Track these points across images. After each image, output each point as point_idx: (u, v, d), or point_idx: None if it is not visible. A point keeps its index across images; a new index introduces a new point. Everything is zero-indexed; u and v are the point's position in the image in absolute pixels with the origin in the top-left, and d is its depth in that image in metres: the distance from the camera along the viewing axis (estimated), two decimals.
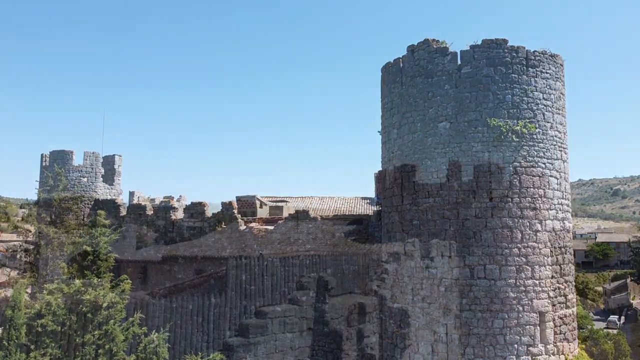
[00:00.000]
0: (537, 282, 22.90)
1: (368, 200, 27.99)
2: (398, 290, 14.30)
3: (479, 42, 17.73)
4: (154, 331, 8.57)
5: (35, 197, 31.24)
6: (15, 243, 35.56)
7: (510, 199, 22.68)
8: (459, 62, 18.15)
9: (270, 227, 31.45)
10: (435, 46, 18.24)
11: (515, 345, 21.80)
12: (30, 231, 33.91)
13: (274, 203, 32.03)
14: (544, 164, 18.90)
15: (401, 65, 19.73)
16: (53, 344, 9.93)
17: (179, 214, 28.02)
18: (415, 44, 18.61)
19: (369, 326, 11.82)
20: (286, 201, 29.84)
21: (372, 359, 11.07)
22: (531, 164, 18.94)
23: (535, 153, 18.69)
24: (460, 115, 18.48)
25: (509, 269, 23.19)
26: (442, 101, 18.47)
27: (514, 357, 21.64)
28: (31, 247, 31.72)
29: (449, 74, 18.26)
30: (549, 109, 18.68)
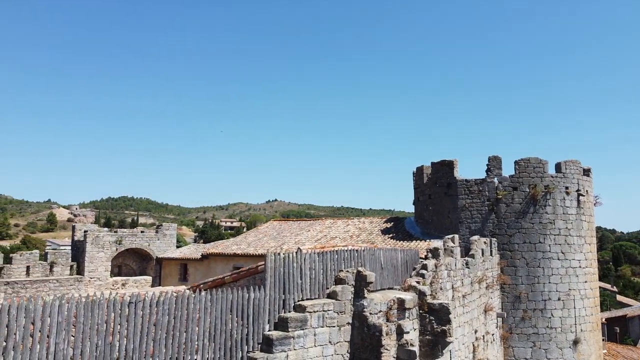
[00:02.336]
0: (581, 282, 22.20)
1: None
2: (437, 287, 14.05)
3: None
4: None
5: None
6: None
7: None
8: None
9: (307, 223, 31.62)
10: None
11: (561, 346, 21.17)
12: None
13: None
14: None
15: None
16: None
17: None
18: None
19: (409, 322, 11.62)
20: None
21: (412, 355, 10.89)
22: None
23: None
24: None
25: (553, 268, 22.63)
26: None
27: (560, 358, 21.02)
28: None
29: None
30: None
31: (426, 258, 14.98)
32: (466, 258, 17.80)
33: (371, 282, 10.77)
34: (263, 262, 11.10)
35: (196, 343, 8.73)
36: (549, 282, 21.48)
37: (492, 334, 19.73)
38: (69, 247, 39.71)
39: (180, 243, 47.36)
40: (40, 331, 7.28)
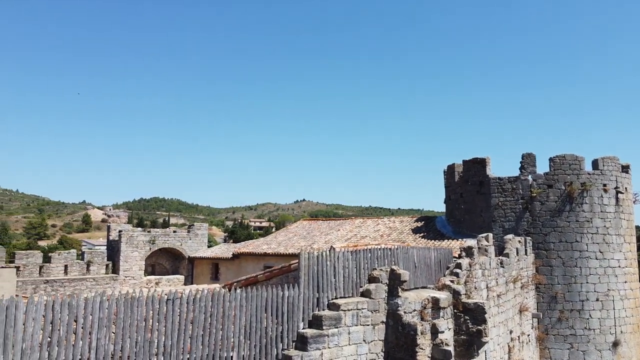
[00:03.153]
0: (621, 283, 21.51)
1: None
2: (472, 286, 13.84)
3: None
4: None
5: None
6: None
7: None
8: None
9: (337, 222, 31.59)
10: None
11: (600, 348, 20.58)
12: None
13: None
14: None
15: None
16: None
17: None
18: None
19: (443, 321, 11.48)
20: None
21: (447, 354, 10.74)
22: None
23: None
24: None
25: (589, 268, 21.99)
26: None
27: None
28: None
29: None
30: None
31: (460, 257, 14.78)
32: (500, 257, 17.49)
33: (405, 281, 10.67)
34: (295, 261, 11.13)
35: (232, 340, 8.82)
36: (587, 282, 20.92)
37: (528, 335, 19.33)
38: (104, 247, 40.68)
39: (210, 243, 47.98)
40: (82, 327, 7.47)
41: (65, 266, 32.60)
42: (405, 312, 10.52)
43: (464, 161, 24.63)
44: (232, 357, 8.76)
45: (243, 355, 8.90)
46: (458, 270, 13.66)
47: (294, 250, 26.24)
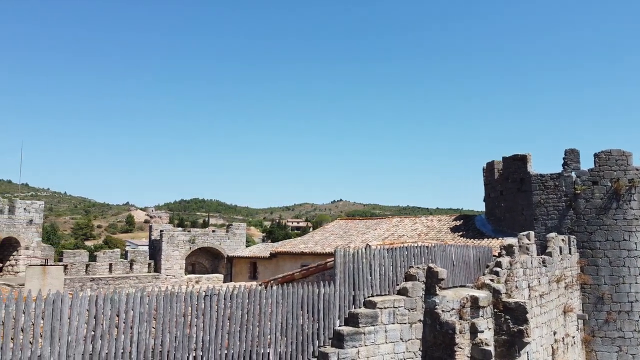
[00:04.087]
0: None
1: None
2: (513, 285, 13.49)
3: None
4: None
5: None
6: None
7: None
8: None
9: (374, 222, 31.42)
10: None
11: None
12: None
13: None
14: None
15: None
16: None
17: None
18: None
19: (483, 321, 11.22)
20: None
21: (487, 354, 10.50)
22: None
23: None
24: None
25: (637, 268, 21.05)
26: None
27: None
28: None
29: None
30: None
31: (500, 255, 14.43)
32: (543, 256, 16.98)
33: (443, 279, 10.51)
34: (331, 259, 11.12)
35: (269, 337, 8.89)
36: (636, 283, 20.04)
37: (573, 337, 18.69)
38: (146, 246, 41.83)
39: (249, 243, 48.57)
40: (124, 322, 7.69)
41: (110, 265, 33.70)
42: (443, 311, 10.35)
43: (503, 158, 24.04)
44: (269, 353, 8.84)
45: (280, 352, 8.96)
46: (498, 269, 13.34)
47: (330, 250, 26.25)
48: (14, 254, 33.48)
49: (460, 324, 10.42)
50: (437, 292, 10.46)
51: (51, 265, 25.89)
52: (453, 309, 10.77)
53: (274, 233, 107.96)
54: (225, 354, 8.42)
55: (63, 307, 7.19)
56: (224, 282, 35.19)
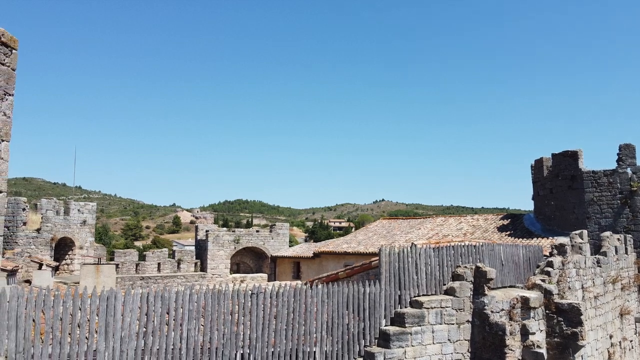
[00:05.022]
0: None
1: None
2: (565, 286, 12.98)
3: None
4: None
5: None
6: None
7: None
8: None
9: (417, 221, 31.01)
10: None
11: None
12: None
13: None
14: None
15: None
16: None
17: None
18: None
19: (534, 322, 10.85)
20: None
21: (539, 357, 10.14)
22: None
23: None
24: None
25: None
26: None
27: None
28: None
29: None
30: None
31: (551, 255, 13.92)
32: (597, 256, 16.27)
33: (491, 279, 10.23)
34: (376, 258, 11.02)
35: (314, 335, 8.90)
36: None
37: (631, 341, 17.82)
38: (193, 246, 42.80)
39: (291, 243, 48.93)
40: (174, 319, 7.87)
41: (159, 264, 34.69)
42: (492, 312, 10.07)
43: (553, 155, 23.24)
44: (314, 352, 8.84)
45: (326, 351, 8.95)
46: (549, 269, 12.88)
47: (374, 249, 26.08)
48: (69, 253, 34.97)
49: (511, 325, 10.12)
50: (486, 292, 10.19)
51: (104, 264, 26.89)
52: (502, 309, 10.48)
53: (316, 233, 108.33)
54: (272, 351, 8.48)
55: (116, 304, 7.43)
56: (268, 281, 35.58)
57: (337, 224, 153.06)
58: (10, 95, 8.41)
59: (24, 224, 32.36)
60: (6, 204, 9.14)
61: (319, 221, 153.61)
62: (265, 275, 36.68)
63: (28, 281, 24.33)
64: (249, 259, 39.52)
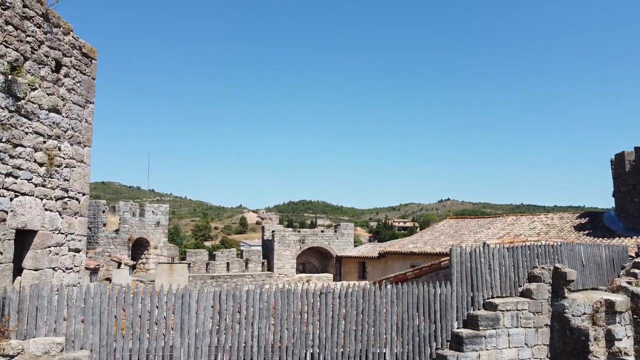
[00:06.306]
0: None
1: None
2: None
3: None
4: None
5: None
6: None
7: None
8: None
9: (487, 220, 29.94)
10: None
11: None
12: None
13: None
14: None
15: None
16: None
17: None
18: None
19: (621, 328, 10.11)
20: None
21: None
22: None
23: None
24: None
25: None
26: None
27: None
28: None
29: None
30: None
31: (637, 256, 12.97)
32: None
33: (572, 281, 9.64)
34: (446, 258, 10.71)
35: (384, 337, 8.76)
36: None
37: None
38: (259, 247, 43.74)
39: (356, 243, 48.80)
40: (245, 318, 8.00)
41: (227, 263, 35.71)
42: (573, 315, 9.50)
43: (636, 148, 21.67)
44: (384, 353, 8.70)
45: (396, 353, 8.78)
46: (636, 271, 11.99)
47: (441, 249, 25.45)
48: (144, 252, 36.77)
49: (594, 330, 9.49)
50: (566, 294, 9.62)
51: (177, 263, 27.98)
52: (584, 313, 9.85)
53: (381, 233, 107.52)
54: (342, 352, 8.43)
55: (191, 302, 7.66)
56: (334, 281, 35.68)
57: (401, 224, 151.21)
58: (91, 103, 8.91)
59: (104, 225, 34.37)
60: (88, 207, 9.68)
61: (383, 221, 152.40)
62: (330, 275, 36.78)
63: (108, 279, 25.76)
64: (314, 259, 39.82)
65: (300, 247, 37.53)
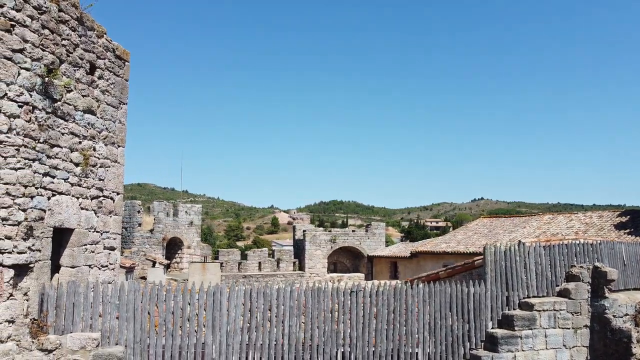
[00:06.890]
0: None
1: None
2: None
3: None
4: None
5: None
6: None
7: None
8: None
9: (522, 219, 29.26)
10: None
11: None
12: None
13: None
14: None
15: None
16: None
17: None
18: None
19: None
20: None
21: None
22: None
23: None
24: None
25: None
26: None
27: None
28: None
29: None
30: None
31: None
32: None
33: (612, 280, 9.30)
34: (479, 257, 10.48)
35: (416, 336, 8.63)
36: None
37: None
38: (291, 247, 43.96)
39: (387, 243, 48.47)
40: (276, 316, 8.01)
41: (259, 263, 36.00)
42: (614, 316, 9.15)
43: None
44: (417, 353, 8.58)
45: (428, 353, 8.65)
46: None
47: (475, 249, 25.00)
48: (178, 252, 37.44)
49: (638, 332, 9.12)
50: (606, 294, 9.28)
51: (209, 262, 28.38)
52: (627, 314, 9.48)
53: (413, 233, 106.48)
54: (373, 351, 8.35)
55: (222, 299, 7.71)
56: (365, 280, 35.50)
57: (433, 224, 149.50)
58: (124, 104, 9.09)
59: (139, 225, 35.14)
60: (123, 207, 9.87)
61: (415, 221, 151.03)
62: (362, 275, 36.64)
63: (143, 277, 26.30)
64: (345, 259, 39.73)
65: (332, 247, 37.51)
